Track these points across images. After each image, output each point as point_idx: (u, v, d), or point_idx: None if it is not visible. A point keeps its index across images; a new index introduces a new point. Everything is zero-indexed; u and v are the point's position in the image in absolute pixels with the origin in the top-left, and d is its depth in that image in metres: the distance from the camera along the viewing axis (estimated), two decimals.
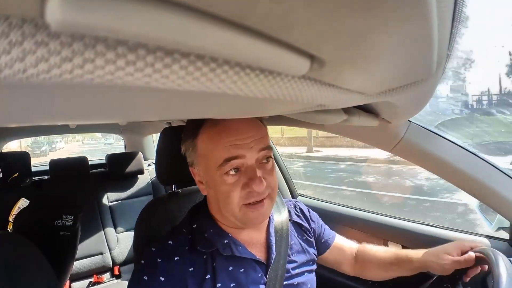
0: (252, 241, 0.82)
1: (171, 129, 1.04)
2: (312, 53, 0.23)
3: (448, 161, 0.89)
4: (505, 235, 1.02)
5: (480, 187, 0.89)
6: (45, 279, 0.95)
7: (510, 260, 0.74)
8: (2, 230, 1.57)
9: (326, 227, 1.04)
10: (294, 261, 0.86)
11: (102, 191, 2.46)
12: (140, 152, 2.63)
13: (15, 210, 1.71)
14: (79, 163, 2.40)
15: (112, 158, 2.54)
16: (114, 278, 2.25)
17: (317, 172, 9.83)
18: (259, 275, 0.77)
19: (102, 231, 2.33)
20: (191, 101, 0.30)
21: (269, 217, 0.87)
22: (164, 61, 0.17)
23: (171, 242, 0.76)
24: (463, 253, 0.84)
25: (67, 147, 31.07)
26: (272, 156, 0.77)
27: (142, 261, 0.74)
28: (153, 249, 0.75)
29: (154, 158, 1.13)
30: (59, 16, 0.12)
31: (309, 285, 0.86)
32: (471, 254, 0.82)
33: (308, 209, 1.03)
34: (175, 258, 0.73)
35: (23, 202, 1.72)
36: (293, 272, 0.84)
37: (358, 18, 0.19)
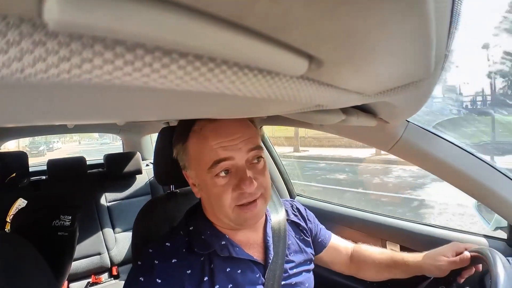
0: (249, 242, 0.82)
1: (169, 129, 1.04)
2: (310, 53, 0.23)
3: (446, 161, 0.89)
4: (503, 234, 1.03)
5: (478, 187, 0.89)
6: (43, 279, 0.95)
7: (508, 260, 0.74)
8: (0, 230, 1.56)
9: (322, 226, 1.05)
10: (292, 261, 0.86)
11: (100, 191, 2.45)
12: (138, 152, 2.63)
13: (13, 210, 1.70)
14: (77, 163, 2.39)
15: (110, 158, 2.53)
16: (112, 278, 2.25)
17: (295, 170, 10.11)
18: (257, 275, 0.77)
19: (100, 231, 2.32)
20: (189, 101, 0.30)
21: (266, 217, 0.87)
22: (162, 61, 0.17)
23: (169, 244, 0.76)
24: (458, 254, 0.85)
25: (64, 147, 31.20)
26: (264, 156, 0.76)
27: (139, 262, 0.74)
28: (150, 250, 0.75)
29: (152, 158, 1.13)
30: (56, 16, 0.12)
31: (306, 285, 0.86)
32: (466, 254, 0.82)
33: (305, 209, 1.04)
34: (173, 260, 0.72)
35: (21, 202, 1.71)
36: (291, 272, 0.84)
37: (357, 19, 0.19)
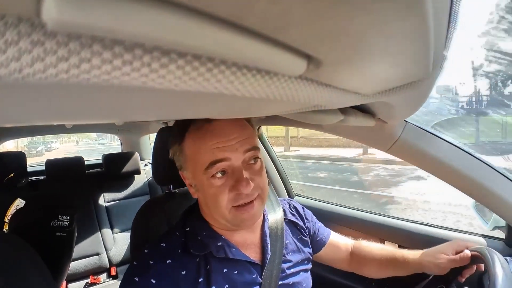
0: (246, 242, 0.82)
1: (167, 129, 1.04)
2: (308, 53, 0.23)
3: (444, 161, 0.89)
4: (501, 234, 1.03)
5: (476, 187, 0.89)
6: (41, 279, 0.94)
7: (506, 259, 0.74)
8: None
9: (320, 225, 1.04)
10: (289, 261, 0.85)
11: (99, 191, 2.45)
12: (136, 152, 2.62)
13: (11, 210, 1.69)
14: (75, 163, 2.39)
15: (109, 158, 2.53)
16: (111, 278, 2.24)
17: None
18: (254, 276, 0.77)
19: (99, 232, 2.32)
20: (188, 101, 0.30)
21: (264, 216, 0.87)
22: (160, 61, 0.17)
23: (164, 245, 0.76)
24: (458, 252, 0.85)
25: (62, 147, 31.32)
26: (260, 157, 0.76)
27: (135, 262, 0.74)
28: (146, 250, 0.75)
29: (151, 158, 1.13)
30: (55, 15, 0.12)
31: (304, 285, 0.86)
32: (467, 252, 0.82)
33: (303, 208, 1.03)
34: (168, 261, 0.72)
35: (19, 203, 1.71)
36: (288, 271, 0.84)
37: (355, 19, 0.19)
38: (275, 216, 0.90)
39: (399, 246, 1.21)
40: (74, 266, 2.11)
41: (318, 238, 1.00)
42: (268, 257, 0.80)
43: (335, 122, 0.64)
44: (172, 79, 0.19)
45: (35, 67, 0.15)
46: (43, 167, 2.34)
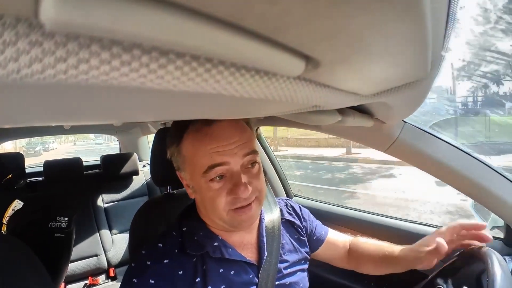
0: (243, 242, 0.82)
1: (166, 130, 1.04)
2: (307, 54, 0.23)
3: (442, 161, 0.89)
4: (499, 234, 1.03)
5: (474, 186, 0.89)
6: (39, 281, 0.94)
7: (504, 259, 0.74)
8: None
9: (318, 223, 1.03)
10: (286, 261, 0.85)
11: (97, 192, 2.44)
12: (135, 153, 2.62)
13: (9, 212, 1.69)
14: (73, 164, 2.38)
15: (107, 159, 2.52)
16: (109, 280, 2.24)
17: None
18: (250, 276, 0.77)
19: (97, 233, 2.31)
20: (186, 102, 0.30)
21: (260, 217, 0.87)
22: (159, 61, 0.17)
23: (161, 245, 0.76)
24: (452, 242, 0.82)
25: (59, 147, 31.68)
26: (258, 161, 0.75)
27: (133, 264, 0.74)
28: (143, 251, 0.75)
29: (149, 159, 1.13)
30: (53, 16, 0.12)
31: (301, 285, 0.86)
32: (439, 240, 0.78)
33: (300, 207, 1.03)
34: (165, 261, 0.72)
35: (17, 204, 1.70)
36: (285, 271, 0.83)
37: (353, 20, 0.19)
38: (272, 216, 0.90)
39: None
40: (73, 267, 2.10)
41: (315, 236, 0.99)
42: (265, 257, 0.80)
43: (333, 123, 0.64)
44: (170, 80, 0.19)
45: (33, 68, 0.15)
46: (41, 168, 2.34)
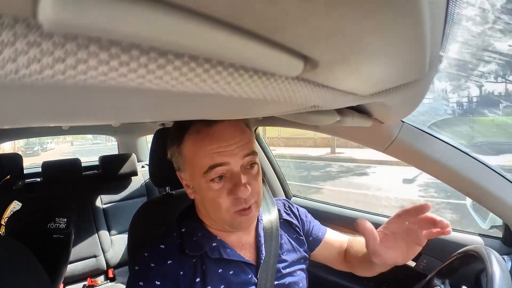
0: (241, 243, 0.82)
1: (164, 130, 1.04)
2: (305, 54, 0.23)
3: (441, 161, 0.89)
4: (498, 233, 1.03)
5: (473, 186, 0.90)
6: (38, 282, 0.94)
7: (503, 258, 0.75)
8: None
9: (315, 223, 1.02)
10: (285, 260, 0.85)
11: (96, 193, 2.44)
12: (133, 154, 2.61)
13: (8, 213, 1.68)
14: (72, 165, 2.37)
15: (106, 160, 2.51)
16: (108, 281, 2.23)
17: None
18: (249, 276, 0.78)
19: (96, 234, 2.30)
20: (185, 102, 0.30)
21: (258, 217, 0.87)
22: (157, 62, 0.17)
23: (163, 246, 0.76)
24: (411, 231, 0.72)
25: (57, 148, 31.82)
26: (257, 162, 0.76)
27: (136, 267, 0.74)
28: (146, 254, 0.76)
29: (148, 159, 1.13)
30: (51, 16, 0.12)
31: (300, 284, 0.86)
32: (357, 221, 0.72)
33: (297, 207, 1.02)
34: (168, 262, 0.73)
35: (15, 205, 1.70)
36: (284, 271, 0.84)
37: (351, 20, 0.19)
38: (269, 216, 0.90)
39: None
40: (72, 268, 2.09)
41: (312, 237, 0.98)
42: (263, 257, 0.80)
43: (332, 123, 0.64)
44: (169, 80, 0.19)
45: (31, 68, 0.15)
46: (39, 169, 2.33)
